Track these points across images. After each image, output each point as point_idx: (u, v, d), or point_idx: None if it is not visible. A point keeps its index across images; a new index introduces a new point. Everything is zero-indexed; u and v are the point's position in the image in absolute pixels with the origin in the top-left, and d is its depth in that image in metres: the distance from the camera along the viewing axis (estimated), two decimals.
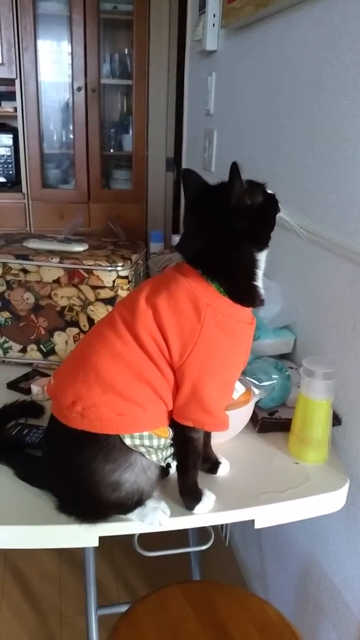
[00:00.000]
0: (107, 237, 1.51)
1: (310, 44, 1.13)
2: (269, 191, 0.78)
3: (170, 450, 0.83)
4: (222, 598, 1.03)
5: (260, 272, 0.78)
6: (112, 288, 1.18)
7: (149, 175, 3.16)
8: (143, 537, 0.91)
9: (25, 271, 1.19)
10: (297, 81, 1.20)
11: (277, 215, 0.79)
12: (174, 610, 1.00)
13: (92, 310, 1.20)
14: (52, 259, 1.18)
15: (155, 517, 0.81)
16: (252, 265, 0.77)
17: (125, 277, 1.18)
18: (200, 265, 0.77)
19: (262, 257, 0.78)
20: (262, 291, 0.79)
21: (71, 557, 1.75)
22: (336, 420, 1.02)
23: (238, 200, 0.72)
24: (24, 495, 0.85)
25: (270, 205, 0.77)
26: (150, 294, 0.77)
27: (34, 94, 2.83)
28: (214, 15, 1.72)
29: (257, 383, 1.03)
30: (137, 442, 0.78)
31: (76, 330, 1.23)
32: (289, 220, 0.81)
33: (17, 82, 2.81)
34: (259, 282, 0.79)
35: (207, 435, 0.91)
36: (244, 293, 0.78)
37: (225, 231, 0.74)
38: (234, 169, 0.71)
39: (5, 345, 1.26)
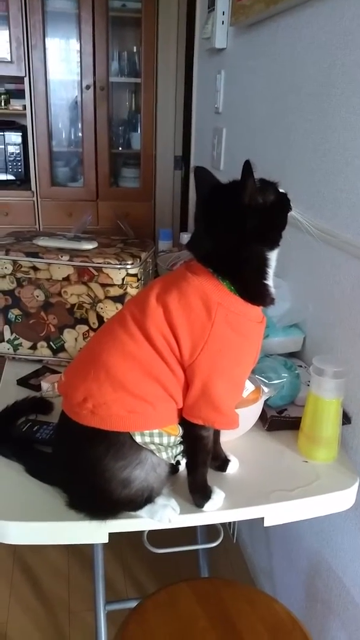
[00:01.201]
0: (115, 235, 1.51)
1: (320, 42, 1.12)
2: (281, 190, 0.77)
3: (180, 448, 0.83)
4: (231, 596, 1.04)
5: (271, 271, 0.78)
6: (122, 286, 1.19)
7: (158, 173, 3.16)
8: (152, 533, 0.92)
9: (35, 269, 1.20)
10: (307, 79, 1.19)
11: (289, 214, 0.79)
12: (183, 607, 1.01)
13: (102, 308, 1.21)
14: (62, 256, 1.18)
15: (165, 514, 0.81)
16: (263, 263, 0.77)
17: (135, 275, 1.19)
18: (211, 263, 0.77)
19: (273, 255, 0.78)
20: (272, 290, 0.79)
21: (80, 552, 1.76)
22: (346, 419, 1.02)
23: (250, 198, 0.72)
24: (34, 491, 0.86)
25: (282, 203, 0.77)
26: (161, 292, 0.77)
27: (42, 92, 2.84)
28: (223, 12, 1.71)
29: (266, 381, 1.03)
30: (147, 439, 0.78)
31: (85, 327, 1.23)
32: (300, 218, 0.81)
33: (26, 80, 2.82)
34: (270, 281, 0.79)
35: (217, 433, 0.91)
36: (255, 292, 0.78)
37: (236, 230, 0.74)
38: (247, 167, 0.70)
39: (16, 342, 1.27)
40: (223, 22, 1.74)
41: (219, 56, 1.87)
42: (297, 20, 1.23)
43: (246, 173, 0.71)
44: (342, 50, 1.03)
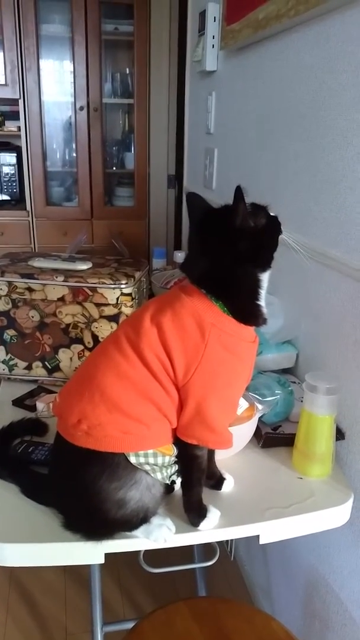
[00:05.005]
0: (110, 253, 1.52)
1: (307, 66, 1.15)
2: (272, 213, 0.79)
3: (175, 468, 0.84)
4: (229, 614, 1.03)
5: (263, 292, 0.80)
6: (116, 305, 1.20)
7: (151, 192, 3.20)
8: (148, 553, 0.92)
9: (30, 290, 1.21)
10: (295, 101, 1.22)
11: (280, 237, 0.81)
12: (180, 626, 1.00)
13: (97, 327, 1.22)
14: (56, 277, 1.20)
15: (161, 534, 0.82)
16: (256, 285, 0.79)
17: (129, 295, 1.20)
18: (204, 285, 0.78)
19: (265, 277, 0.79)
20: (265, 310, 0.81)
21: (76, 573, 1.75)
22: (339, 434, 1.03)
23: (242, 222, 0.74)
24: (30, 512, 0.86)
25: (273, 226, 0.79)
26: (155, 313, 0.79)
27: (37, 113, 2.88)
28: (213, 36, 1.75)
29: (260, 398, 1.04)
30: (142, 460, 0.78)
31: (80, 347, 1.24)
32: (290, 242, 0.83)
33: (21, 102, 2.86)
34: (262, 302, 0.80)
35: (211, 452, 0.91)
36: (248, 312, 0.79)
37: (229, 252, 0.76)
38: (238, 192, 0.73)
39: (11, 363, 1.28)
40: (213, 45, 1.77)
41: (210, 78, 1.90)
42: (284, 45, 1.27)
43: (238, 198, 0.73)
44: (329, 74, 1.06)
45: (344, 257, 1.03)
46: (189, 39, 2.17)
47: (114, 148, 3.20)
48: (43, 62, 2.84)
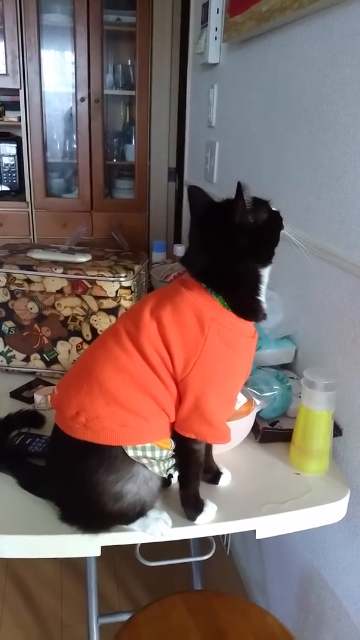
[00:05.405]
0: (109, 246, 1.52)
1: (311, 59, 1.14)
2: (274, 208, 0.79)
3: (172, 462, 0.84)
4: (224, 608, 1.04)
5: (263, 287, 0.80)
6: (115, 298, 1.19)
7: (151, 185, 3.19)
8: (145, 546, 0.92)
9: (29, 281, 1.20)
10: (298, 95, 1.21)
11: (281, 232, 0.80)
12: (175, 620, 1.01)
13: (95, 320, 1.21)
14: (55, 269, 1.19)
15: (157, 528, 0.82)
16: (256, 280, 0.79)
17: (128, 288, 1.19)
18: (204, 279, 0.78)
19: (265, 272, 0.79)
20: (264, 305, 0.80)
21: (73, 565, 1.75)
22: (337, 430, 1.03)
23: (241, 218, 0.74)
24: (27, 504, 0.86)
25: (274, 222, 0.79)
26: (154, 307, 0.78)
27: (37, 104, 2.87)
28: (216, 28, 1.74)
29: (258, 394, 1.04)
30: (140, 453, 0.78)
31: (79, 339, 1.24)
32: (292, 237, 0.82)
33: (21, 92, 2.84)
34: (262, 297, 0.80)
35: (209, 446, 0.91)
36: (248, 307, 0.79)
37: (229, 247, 0.75)
38: (239, 189, 0.72)
39: (9, 354, 1.27)
40: (216, 37, 1.76)
41: (212, 71, 1.89)
42: (287, 38, 1.26)
43: (238, 195, 0.72)
44: (332, 68, 1.05)
45: (345, 253, 1.02)
46: (191, 30, 2.15)
47: (115, 140, 3.19)
48: (44, 53, 2.82)
